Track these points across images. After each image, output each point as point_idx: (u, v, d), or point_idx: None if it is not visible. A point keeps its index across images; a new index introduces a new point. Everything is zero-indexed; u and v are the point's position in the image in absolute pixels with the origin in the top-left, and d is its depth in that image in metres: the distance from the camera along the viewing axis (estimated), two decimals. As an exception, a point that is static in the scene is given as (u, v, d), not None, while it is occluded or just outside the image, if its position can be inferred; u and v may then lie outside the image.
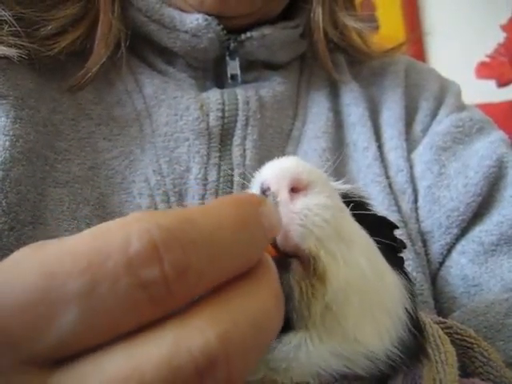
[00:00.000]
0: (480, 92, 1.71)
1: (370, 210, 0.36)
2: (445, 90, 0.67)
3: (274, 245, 0.29)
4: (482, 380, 0.36)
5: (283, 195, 0.30)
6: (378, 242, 0.33)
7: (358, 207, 0.34)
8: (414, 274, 0.52)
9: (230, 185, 0.54)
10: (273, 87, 0.62)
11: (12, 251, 0.20)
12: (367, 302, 0.30)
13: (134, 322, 0.18)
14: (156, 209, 0.51)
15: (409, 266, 0.51)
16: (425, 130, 0.63)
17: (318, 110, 0.63)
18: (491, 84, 1.90)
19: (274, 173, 0.32)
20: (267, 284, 0.22)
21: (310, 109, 0.64)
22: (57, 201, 0.48)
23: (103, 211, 0.50)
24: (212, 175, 0.54)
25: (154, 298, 0.18)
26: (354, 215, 0.33)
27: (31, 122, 0.49)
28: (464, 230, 0.55)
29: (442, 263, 0.56)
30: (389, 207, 0.55)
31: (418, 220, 0.57)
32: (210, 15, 0.56)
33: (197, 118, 0.55)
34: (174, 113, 0.56)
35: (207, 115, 0.56)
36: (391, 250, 0.35)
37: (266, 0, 0.58)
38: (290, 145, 0.60)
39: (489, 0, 1.89)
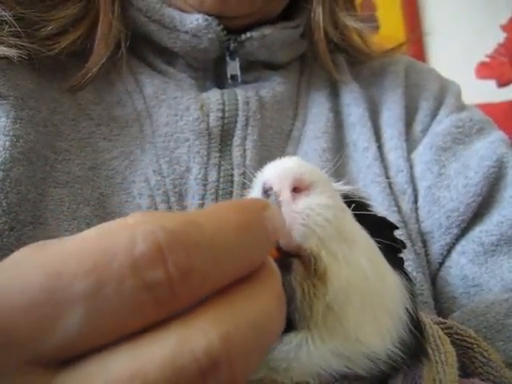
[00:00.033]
0: (480, 92, 1.71)
1: (370, 210, 0.36)
2: (445, 90, 0.67)
3: (276, 244, 0.29)
4: (482, 380, 0.36)
5: (285, 195, 0.30)
6: (378, 243, 0.33)
7: (358, 208, 0.34)
8: (414, 274, 0.52)
9: (230, 185, 0.54)
10: (273, 87, 0.62)
11: (12, 251, 0.20)
12: (368, 302, 0.30)
13: (138, 323, 0.19)
14: (156, 209, 0.51)
15: (409, 266, 0.51)
16: (425, 130, 0.63)
17: (318, 111, 0.63)
18: (491, 84, 1.90)
19: (276, 172, 0.32)
20: (270, 287, 0.22)
21: (310, 109, 0.64)
22: (57, 201, 0.48)
23: (103, 211, 0.50)
24: (212, 175, 0.54)
25: (158, 299, 0.18)
26: (355, 216, 0.33)
27: (31, 123, 0.49)
28: (464, 231, 0.55)
29: (441, 263, 0.56)
30: (389, 207, 0.55)
31: (417, 220, 0.57)
32: (210, 15, 0.56)
33: (197, 119, 0.55)
34: (174, 113, 0.56)
35: (207, 115, 0.56)
36: (391, 251, 0.35)
37: (266, 0, 0.58)
38: (290, 145, 0.60)
39: (489, 0, 1.89)
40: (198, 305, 0.20)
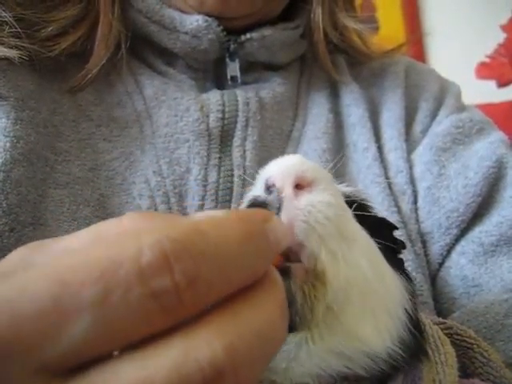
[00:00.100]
0: (480, 92, 1.70)
1: (370, 211, 0.36)
2: (445, 91, 0.67)
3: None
4: (482, 380, 0.36)
5: (288, 191, 0.31)
6: (377, 243, 0.33)
7: (358, 208, 0.34)
8: (414, 274, 0.52)
9: (229, 186, 0.54)
10: (273, 88, 0.62)
11: None
12: (368, 302, 0.30)
13: (145, 331, 0.19)
14: (156, 210, 0.51)
15: (408, 266, 0.51)
16: (425, 131, 0.63)
17: (318, 111, 0.63)
18: (491, 84, 1.90)
19: (279, 169, 0.32)
20: (273, 296, 0.22)
21: (310, 110, 0.64)
22: (57, 202, 0.48)
23: (103, 212, 0.50)
24: (212, 176, 0.54)
25: (165, 307, 0.19)
26: (355, 216, 0.33)
27: (32, 124, 0.49)
28: (464, 231, 0.55)
29: (441, 264, 0.56)
30: (388, 208, 0.55)
31: (417, 221, 0.57)
32: (210, 16, 0.56)
33: (197, 119, 0.55)
34: (174, 114, 0.56)
35: (207, 116, 0.56)
36: (391, 251, 0.35)
37: (266, 0, 0.58)
38: (289, 146, 0.60)
39: (489, 0, 1.89)
40: (203, 314, 0.20)
